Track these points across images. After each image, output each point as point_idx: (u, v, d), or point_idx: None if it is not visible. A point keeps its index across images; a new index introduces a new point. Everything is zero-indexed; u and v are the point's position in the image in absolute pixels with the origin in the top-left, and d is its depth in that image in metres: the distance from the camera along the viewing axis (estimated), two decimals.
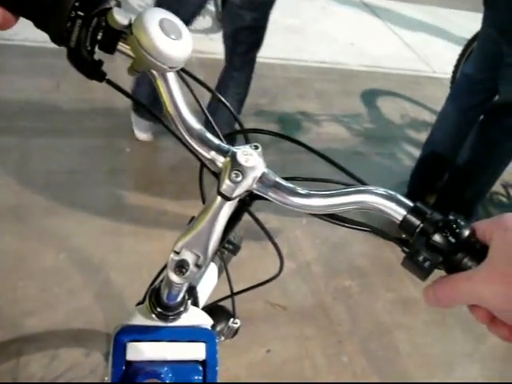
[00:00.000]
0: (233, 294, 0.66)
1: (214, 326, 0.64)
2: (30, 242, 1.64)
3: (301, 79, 3.14)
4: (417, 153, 2.28)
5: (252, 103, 2.73)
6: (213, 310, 0.65)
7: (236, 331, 0.74)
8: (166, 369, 0.58)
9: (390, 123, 2.93)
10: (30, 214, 1.75)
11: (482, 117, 1.94)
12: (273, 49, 3.38)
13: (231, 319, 0.73)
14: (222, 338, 0.72)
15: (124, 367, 0.57)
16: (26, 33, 2.66)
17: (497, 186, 2.53)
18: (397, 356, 1.64)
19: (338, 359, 1.57)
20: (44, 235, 1.68)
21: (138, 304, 0.64)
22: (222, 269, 0.77)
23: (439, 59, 3.92)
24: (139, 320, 0.60)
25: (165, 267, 0.53)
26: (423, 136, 2.26)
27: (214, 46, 3.17)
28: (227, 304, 0.73)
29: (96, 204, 1.85)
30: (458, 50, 2.80)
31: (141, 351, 0.58)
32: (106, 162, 2.08)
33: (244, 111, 2.61)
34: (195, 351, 0.60)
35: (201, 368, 0.60)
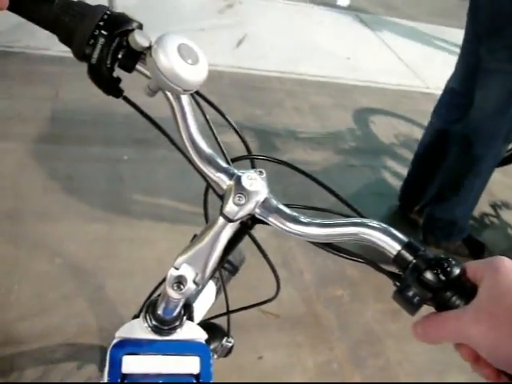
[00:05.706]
0: (228, 312, 0.66)
1: (207, 343, 0.64)
2: (25, 247, 1.65)
3: (297, 92, 3.16)
4: (408, 166, 2.31)
5: (248, 114, 2.76)
6: (207, 327, 0.65)
7: (230, 350, 0.73)
8: (160, 382, 0.59)
9: (383, 137, 2.94)
10: (26, 219, 1.76)
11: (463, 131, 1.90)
12: (270, 61, 3.41)
13: (225, 337, 0.73)
14: (215, 356, 0.71)
15: (119, 380, 0.58)
16: (27, 40, 2.68)
17: (486, 207, 2.55)
18: (387, 364, 1.64)
19: (329, 367, 1.58)
20: (39, 240, 1.69)
21: (134, 317, 0.65)
22: (221, 289, 0.77)
23: (433, 75, 3.92)
24: (135, 333, 0.61)
25: (163, 281, 0.53)
26: (414, 150, 2.29)
27: (216, 59, 3.19)
28: (222, 322, 0.72)
29: (91, 210, 1.86)
30: (452, 66, 2.84)
31: (136, 364, 0.59)
32: (102, 169, 2.09)
33: (240, 122, 2.64)
34: (189, 365, 0.61)
35: (195, 381, 0.61)
